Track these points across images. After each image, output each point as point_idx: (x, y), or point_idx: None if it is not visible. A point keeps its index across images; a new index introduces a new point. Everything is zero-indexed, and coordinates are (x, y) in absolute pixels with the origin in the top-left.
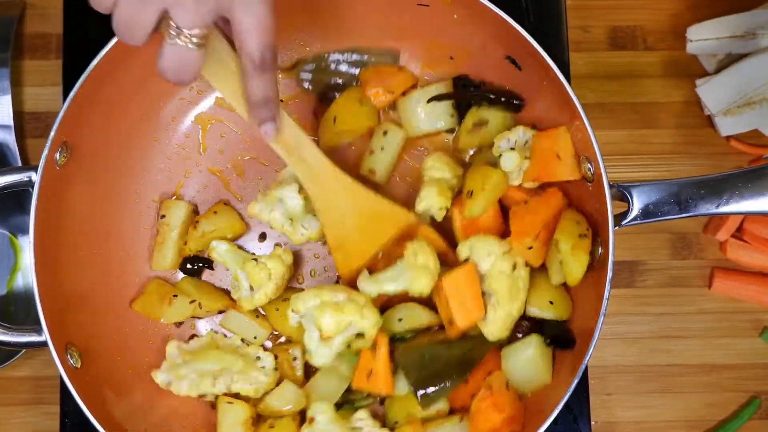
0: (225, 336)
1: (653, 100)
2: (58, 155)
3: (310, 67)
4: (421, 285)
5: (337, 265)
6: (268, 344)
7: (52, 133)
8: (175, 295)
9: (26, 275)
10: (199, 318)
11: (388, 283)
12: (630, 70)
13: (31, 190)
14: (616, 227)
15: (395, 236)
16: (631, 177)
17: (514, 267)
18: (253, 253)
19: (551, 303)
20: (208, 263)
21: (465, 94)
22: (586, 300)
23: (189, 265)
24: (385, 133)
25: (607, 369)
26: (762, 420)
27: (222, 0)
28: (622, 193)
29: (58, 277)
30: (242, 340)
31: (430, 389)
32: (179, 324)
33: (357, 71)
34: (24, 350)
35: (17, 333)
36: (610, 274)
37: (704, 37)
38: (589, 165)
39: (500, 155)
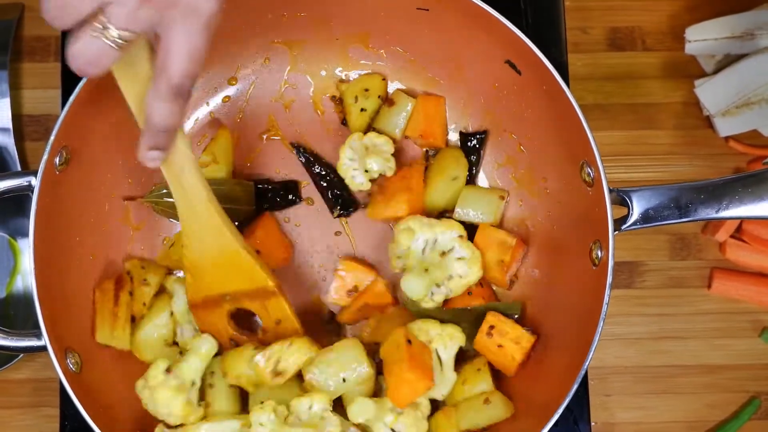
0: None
1: (652, 101)
2: (57, 160)
3: None
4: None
5: (186, 285)
6: None
7: (52, 138)
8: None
9: (26, 278)
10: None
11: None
12: (629, 71)
13: (30, 194)
14: (616, 232)
15: (246, 291)
16: (630, 178)
17: None
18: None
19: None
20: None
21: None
22: (586, 303)
23: None
24: None
25: (607, 370)
26: (762, 420)
27: (164, 15)
28: (621, 198)
29: (57, 281)
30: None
31: None
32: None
33: None
34: None
35: (16, 337)
36: (609, 278)
37: (703, 37)
38: (588, 170)
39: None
